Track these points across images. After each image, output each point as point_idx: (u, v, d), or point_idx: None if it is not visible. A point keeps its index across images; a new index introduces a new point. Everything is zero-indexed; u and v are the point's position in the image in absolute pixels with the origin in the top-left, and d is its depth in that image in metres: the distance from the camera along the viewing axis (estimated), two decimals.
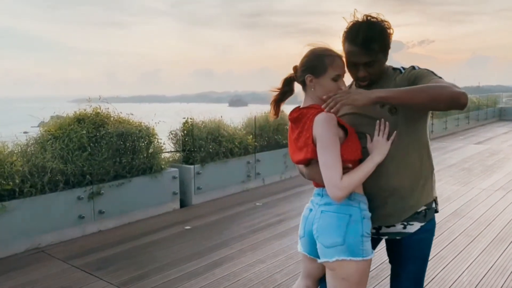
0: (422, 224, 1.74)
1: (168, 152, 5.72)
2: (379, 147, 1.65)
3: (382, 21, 1.66)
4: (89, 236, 4.39)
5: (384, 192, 1.71)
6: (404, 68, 1.76)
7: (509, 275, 3.27)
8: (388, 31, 1.67)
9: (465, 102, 1.48)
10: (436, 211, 1.82)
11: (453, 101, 1.49)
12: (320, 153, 1.57)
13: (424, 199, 1.75)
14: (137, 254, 3.88)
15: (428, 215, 1.75)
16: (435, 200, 1.80)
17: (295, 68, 1.74)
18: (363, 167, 1.62)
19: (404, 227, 1.74)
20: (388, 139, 1.66)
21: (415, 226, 1.73)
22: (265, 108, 7.15)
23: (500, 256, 3.63)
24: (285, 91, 1.78)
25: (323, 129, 1.56)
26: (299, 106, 1.75)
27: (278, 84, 1.79)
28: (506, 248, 3.81)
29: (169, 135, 5.89)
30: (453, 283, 3.16)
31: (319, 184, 1.69)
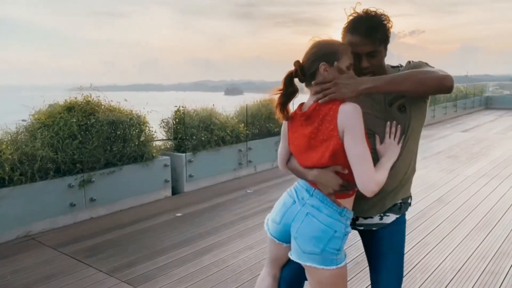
0: (398, 216, 1.76)
1: (159, 140, 5.65)
2: (391, 150, 1.63)
3: (382, 14, 1.63)
4: (80, 223, 4.34)
5: None
6: (401, 66, 1.74)
7: (490, 260, 3.28)
8: (387, 24, 1.64)
9: (451, 84, 1.48)
10: (410, 204, 1.84)
11: (440, 84, 1.50)
12: (353, 145, 1.47)
13: (402, 194, 1.77)
14: (127, 241, 3.84)
15: (403, 208, 1.77)
16: (410, 196, 1.83)
17: (298, 62, 1.60)
18: (386, 166, 1.58)
19: (381, 218, 1.75)
20: (398, 142, 1.65)
21: (390, 218, 1.75)
22: (260, 97, 7.09)
23: (482, 242, 3.64)
24: (289, 91, 1.63)
25: (355, 119, 1.46)
26: (303, 103, 1.64)
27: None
28: (488, 234, 3.83)
29: (161, 123, 5.82)
30: (436, 269, 3.16)
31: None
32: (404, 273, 3.06)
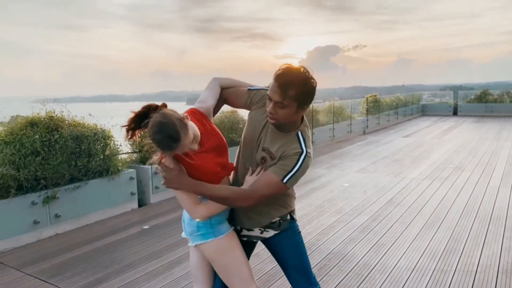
0: (277, 232, 1.87)
1: (125, 153, 5.38)
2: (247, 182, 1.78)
3: (311, 78, 1.61)
4: (45, 240, 4.01)
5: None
6: (301, 138, 1.72)
7: (439, 258, 3.37)
8: (311, 88, 1.61)
9: (241, 205, 1.72)
10: (293, 219, 1.91)
11: (228, 204, 1.74)
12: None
13: (278, 213, 1.84)
14: (95, 257, 3.58)
15: (282, 225, 1.86)
16: (290, 213, 1.89)
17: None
18: (210, 200, 1.74)
19: (261, 233, 1.88)
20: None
21: (270, 233, 1.87)
22: (223, 108, 6.95)
23: (430, 241, 3.74)
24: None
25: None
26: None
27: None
28: (435, 233, 3.94)
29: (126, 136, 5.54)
30: (393, 269, 3.19)
31: None
32: (365, 275, 3.08)
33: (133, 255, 3.58)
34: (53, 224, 4.14)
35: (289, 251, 1.89)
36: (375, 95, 14.01)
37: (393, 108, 14.83)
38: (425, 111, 18.33)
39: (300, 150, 1.69)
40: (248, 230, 1.89)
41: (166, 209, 4.97)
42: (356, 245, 3.68)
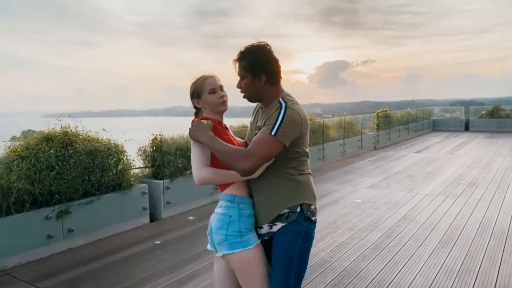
0: (284, 224, 1.80)
1: (137, 168, 5.43)
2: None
3: (263, 45, 1.82)
4: (58, 255, 4.03)
5: (254, 201, 1.88)
6: (283, 101, 1.80)
7: (456, 276, 3.30)
8: (260, 57, 1.80)
9: (243, 167, 1.66)
10: (307, 218, 1.83)
11: (232, 167, 1.70)
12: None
13: (287, 203, 1.81)
14: (106, 272, 3.58)
15: (290, 217, 1.80)
16: (302, 206, 1.82)
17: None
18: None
19: (271, 228, 1.83)
20: None
21: (277, 226, 1.81)
22: (230, 122, 7.01)
23: (446, 258, 3.67)
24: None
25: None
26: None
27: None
28: (451, 250, 3.87)
29: (138, 151, 5.61)
30: (408, 287, 3.13)
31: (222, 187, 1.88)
32: None
33: (145, 270, 3.58)
34: (66, 239, 4.17)
35: (282, 255, 1.79)
36: (386, 110, 13.97)
37: (403, 124, 14.76)
38: (436, 126, 18.19)
39: (279, 104, 1.79)
40: (259, 228, 1.85)
41: (177, 224, 4.97)
42: (370, 262, 3.62)
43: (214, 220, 1.86)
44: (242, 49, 1.82)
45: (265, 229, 1.84)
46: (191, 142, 1.84)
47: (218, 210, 1.87)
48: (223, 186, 1.87)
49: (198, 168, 1.80)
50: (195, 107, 1.98)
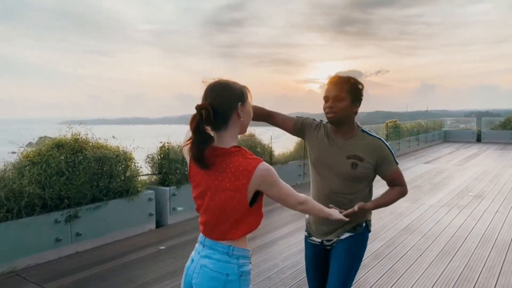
0: (352, 234, 2.02)
1: (144, 175, 5.58)
2: (335, 216, 1.73)
3: (357, 81, 1.94)
4: (66, 258, 4.18)
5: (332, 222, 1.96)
6: (367, 131, 2.01)
7: (453, 285, 3.33)
8: (360, 87, 1.94)
9: (405, 195, 2.07)
10: (369, 231, 2.09)
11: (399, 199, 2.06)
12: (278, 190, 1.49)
13: (355, 221, 2.01)
14: (112, 275, 3.71)
15: (357, 229, 2.02)
16: (366, 222, 2.06)
17: (205, 106, 1.37)
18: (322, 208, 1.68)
19: (338, 237, 2.04)
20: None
21: (345, 235, 2.02)
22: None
23: (445, 269, 3.70)
24: (202, 139, 1.38)
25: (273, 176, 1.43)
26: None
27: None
28: (451, 260, 3.89)
29: (146, 158, 5.77)
30: None
31: (204, 231, 1.51)
32: None
33: (149, 274, 3.69)
34: (74, 242, 4.32)
35: (347, 249, 1.98)
36: (395, 121, 13.97)
37: (414, 134, 14.69)
38: (447, 137, 18.03)
39: (378, 139, 1.99)
40: (328, 240, 2.04)
41: (182, 231, 5.09)
42: (368, 271, 3.67)
43: (200, 276, 1.44)
44: (347, 76, 1.94)
45: (333, 240, 2.03)
46: (274, 179, 1.43)
47: (204, 261, 1.46)
48: (219, 233, 1.46)
49: (294, 193, 1.51)
50: (222, 116, 1.40)
